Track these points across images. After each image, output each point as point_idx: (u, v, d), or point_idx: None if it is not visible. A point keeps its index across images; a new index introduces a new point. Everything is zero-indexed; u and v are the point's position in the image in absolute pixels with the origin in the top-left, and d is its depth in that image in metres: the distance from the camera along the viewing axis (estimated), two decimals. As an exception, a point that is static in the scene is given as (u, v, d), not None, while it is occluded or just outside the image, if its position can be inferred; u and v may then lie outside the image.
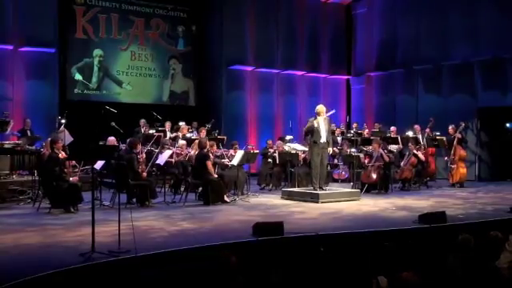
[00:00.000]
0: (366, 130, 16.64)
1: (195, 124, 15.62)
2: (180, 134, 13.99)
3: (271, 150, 14.24)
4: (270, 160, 14.09)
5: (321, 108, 11.71)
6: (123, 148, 11.35)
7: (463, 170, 14.53)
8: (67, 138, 12.80)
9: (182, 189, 11.94)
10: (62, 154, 9.88)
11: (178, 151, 12.20)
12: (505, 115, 16.49)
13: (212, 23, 18.34)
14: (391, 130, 15.52)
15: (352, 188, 12.77)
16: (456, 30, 16.88)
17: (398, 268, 5.28)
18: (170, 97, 18.12)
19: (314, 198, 11.16)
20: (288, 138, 14.91)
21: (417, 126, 15.17)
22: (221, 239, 7.17)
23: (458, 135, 14.50)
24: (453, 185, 14.43)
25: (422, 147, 14.31)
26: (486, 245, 5.65)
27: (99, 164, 9.94)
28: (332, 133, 13.29)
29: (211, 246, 6.83)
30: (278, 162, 13.82)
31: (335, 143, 15.13)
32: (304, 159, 13.38)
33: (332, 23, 20.10)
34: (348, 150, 14.26)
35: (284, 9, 18.90)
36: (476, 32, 16.36)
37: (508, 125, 16.80)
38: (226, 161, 12.19)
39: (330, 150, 12.08)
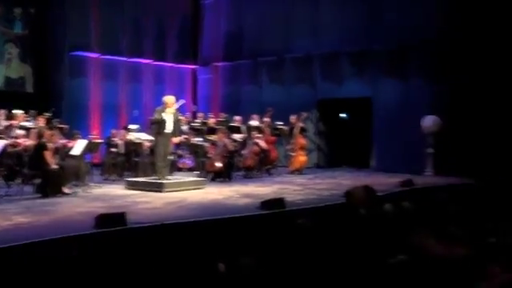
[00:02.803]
0: (212, 120, 16.83)
1: (33, 112, 14.72)
2: (15, 123, 13.12)
3: (115, 140, 13.89)
4: (114, 149, 13.74)
5: (169, 99, 11.64)
6: None
7: (303, 158, 15.27)
8: None
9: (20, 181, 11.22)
10: None
11: (13, 142, 11.45)
12: (340, 106, 17.56)
13: (53, 6, 17.40)
14: (235, 119, 15.85)
15: (197, 177, 12.86)
16: (298, 22, 17.56)
17: (239, 254, 5.43)
18: (5, 83, 16.93)
19: (159, 188, 11.09)
20: (133, 127, 14.63)
21: (255, 116, 15.67)
22: (59, 232, 6.85)
23: (301, 124, 15.19)
24: (293, 172, 15.09)
25: (264, 136, 14.80)
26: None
27: None
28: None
29: (45, 240, 6.50)
30: (122, 151, 13.53)
31: (181, 132, 15.12)
32: (149, 148, 13.23)
33: (179, 12, 19.99)
34: (193, 140, 14.34)
35: (130, -5, 18.47)
36: (317, 25, 17.19)
37: (342, 115, 17.90)
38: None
39: (177, 139, 12.04)
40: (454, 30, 14.53)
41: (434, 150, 14.50)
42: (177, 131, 11.81)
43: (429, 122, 14.36)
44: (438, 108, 14.63)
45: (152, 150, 12.87)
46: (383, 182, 12.54)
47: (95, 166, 13.95)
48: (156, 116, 11.52)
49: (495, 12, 13.82)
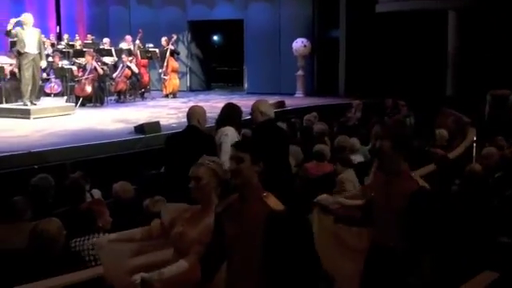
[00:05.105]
0: (79, 42, 15.99)
1: None
2: None
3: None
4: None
5: (27, 18, 10.84)
6: None
7: (176, 81, 15.07)
8: None
9: None
10: None
11: None
12: (212, 28, 17.38)
13: None
14: (104, 42, 15.20)
15: (66, 102, 12.32)
16: None
17: (113, 179, 5.38)
18: None
19: (25, 114, 10.52)
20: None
21: (128, 37, 15.15)
22: None
23: (171, 47, 14.89)
24: (166, 96, 14.90)
25: (135, 59, 14.37)
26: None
27: None
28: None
29: None
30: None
31: (46, 55, 14.28)
32: (12, 72, 12.36)
33: None
34: (60, 63, 13.59)
35: None
36: None
37: (215, 37, 17.82)
38: None
39: (44, 63, 11.36)
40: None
41: (303, 73, 14.93)
42: (43, 53, 11.11)
43: (299, 44, 14.68)
44: (308, 31, 15.02)
45: (15, 74, 12.05)
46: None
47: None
48: (13, 33, 10.71)
49: None
